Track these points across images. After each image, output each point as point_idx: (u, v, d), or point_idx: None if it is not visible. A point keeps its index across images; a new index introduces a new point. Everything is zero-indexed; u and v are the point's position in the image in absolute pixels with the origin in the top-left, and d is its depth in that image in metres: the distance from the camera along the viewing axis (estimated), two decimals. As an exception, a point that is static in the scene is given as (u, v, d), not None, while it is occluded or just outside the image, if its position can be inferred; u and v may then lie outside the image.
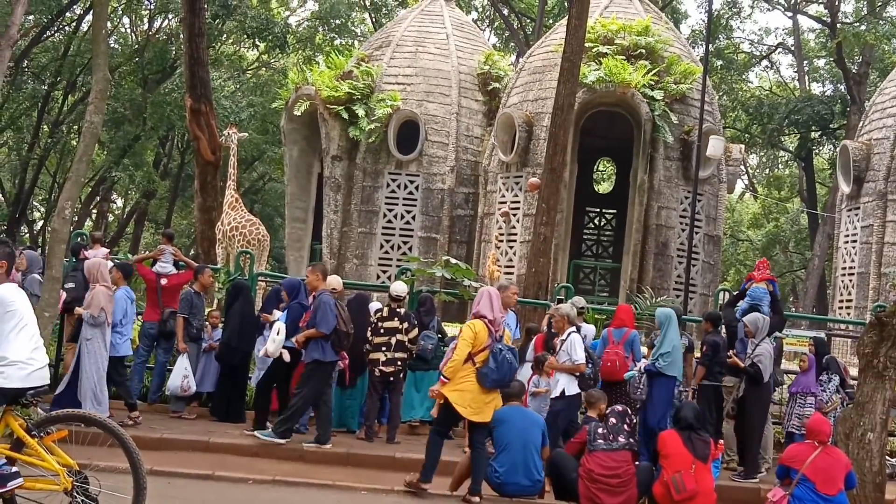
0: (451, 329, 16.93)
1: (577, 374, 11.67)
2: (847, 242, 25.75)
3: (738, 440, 13.07)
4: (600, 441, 10.02)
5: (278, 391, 12.78)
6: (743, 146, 31.41)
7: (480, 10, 49.79)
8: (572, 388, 11.53)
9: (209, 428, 12.86)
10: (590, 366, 11.75)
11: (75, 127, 39.33)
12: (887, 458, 12.65)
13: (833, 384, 13.92)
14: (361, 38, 43.20)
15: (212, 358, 14.05)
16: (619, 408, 10.48)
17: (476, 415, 10.00)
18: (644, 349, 13.29)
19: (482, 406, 9.99)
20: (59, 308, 12.96)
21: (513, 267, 23.44)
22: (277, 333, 12.23)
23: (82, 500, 6.70)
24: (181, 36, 27.96)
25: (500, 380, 10.03)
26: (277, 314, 13.08)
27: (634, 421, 11.06)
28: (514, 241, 23.66)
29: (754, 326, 12.91)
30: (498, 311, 10.23)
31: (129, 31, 44.26)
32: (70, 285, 13.52)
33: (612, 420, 10.22)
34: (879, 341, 10.64)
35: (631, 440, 10.15)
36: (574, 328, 11.91)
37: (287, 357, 12.24)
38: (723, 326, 13.77)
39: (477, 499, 9.97)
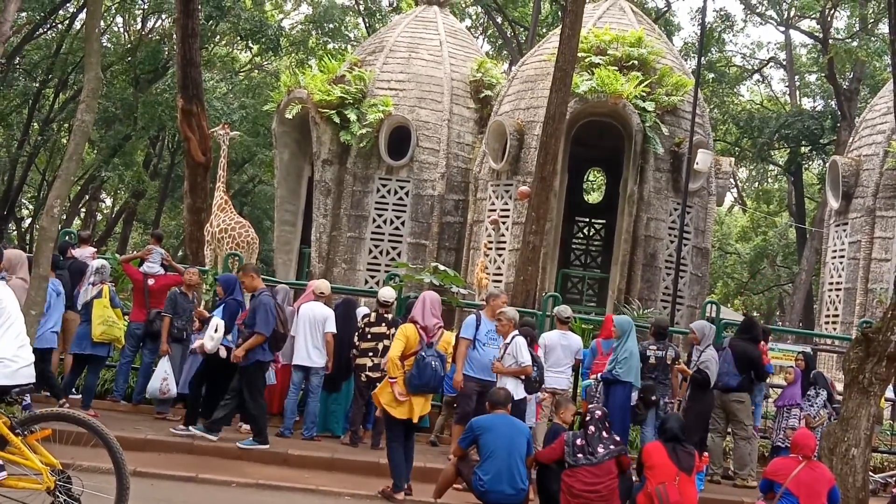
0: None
1: (524, 377, 11.58)
2: (835, 257, 25.82)
3: None
4: (580, 456, 9.90)
5: (211, 388, 12.72)
6: (733, 159, 31.50)
7: (474, 17, 49.85)
8: (519, 392, 11.45)
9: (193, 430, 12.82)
10: (535, 368, 11.68)
11: (66, 125, 39.23)
12: (871, 474, 12.69)
13: (821, 399, 13.96)
14: (355, 43, 43.22)
15: (198, 359, 14.01)
16: (598, 413, 10.42)
17: (395, 409, 10.36)
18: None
19: (407, 405, 10.35)
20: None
21: (501, 275, 23.44)
22: (215, 330, 12.24)
23: (65, 500, 6.67)
24: (174, 36, 27.92)
25: (422, 385, 10.39)
26: (219, 312, 12.94)
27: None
28: (503, 248, 23.66)
29: (700, 333, 12.97)
30: (430, 318, 10.49)
31: (121, 30, 44.23)
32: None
33: (592, 429, 10.13)
34: (865, 357, 10.68)
35: (612, 447, 10.07)
36: (517, 332, 11.88)
37: (224, 353, 12.24)
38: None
39: (401, 496, 10.06)
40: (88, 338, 13.42)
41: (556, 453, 10.11)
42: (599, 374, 12.53)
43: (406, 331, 10.51)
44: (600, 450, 9.94)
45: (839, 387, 14.44)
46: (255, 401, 11.97)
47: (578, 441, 9.99)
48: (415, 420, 10.58)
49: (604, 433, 10.15)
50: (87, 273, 13.78)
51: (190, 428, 12.10)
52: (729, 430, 13.75)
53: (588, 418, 10.24)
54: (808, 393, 14.06)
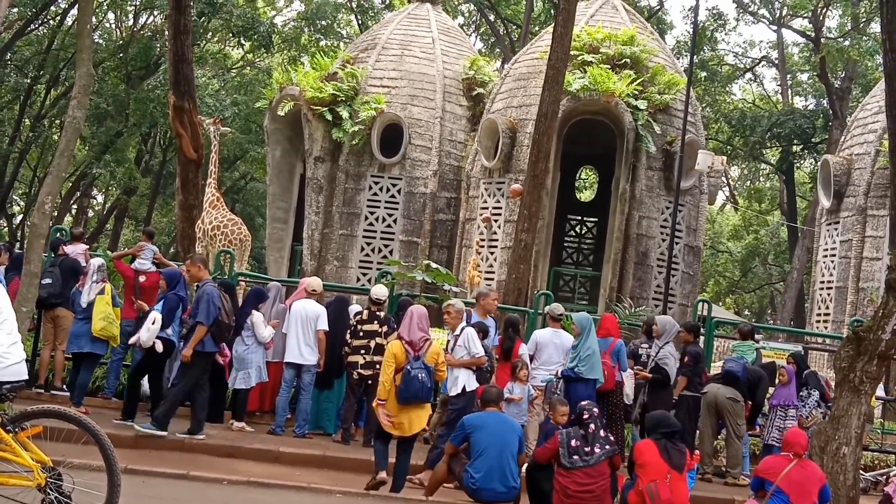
0: (432, 333, 16.90)
1: (475, 368, 11.53)
2: (826, 256, 25.87)
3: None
4: (577, 458, 9.88)
5: (150, 381, 12.70)
6: (725, 158, 31.52)
7: (467, 15, 49.82)
8: (472, 383, 11.39)
9: (185, 427, 12.80)
10: (487, 358, 11.64)
11: (57, 121, 39.13)
12: (861, 472, 12.72)
13: (813, 399, 13.99)
14: (347, 40, 43.13)
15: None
16: (595, 410, 10.42)
17: (394, 429, 10.46)
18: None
19: (402, 420, 10.43)
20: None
21: (493, 273, 23.45)
22: (153, 323, 12.24)
23: (56, 497, 6.65)
24: (166, 33, 27.86)
25: (410, 398, 10.41)
26: (158, 306, 12.86)
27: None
28: (496, 246, 23.67)
29: (662, 328, 12.98)
30: (416, 332, 10.59)
31: (113, 26, 44.07)
32: (47, 281, 13.46)
33: (592, 427, 10.12)
34: (856, 356, 10.68)
35: (607, 447, 10.08)
36: (465, 324, 11.85)
37: (160, 347, 12.23)
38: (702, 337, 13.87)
39: (382, 474, 10.42)
40: (87, 335, 13.42)
41: (550, 453, 10.11)
42: (560, 371, 12.55)
43: (392, 349, 10.60)
44: (597, 450, 9.93)
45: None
46: (181, 389, 11.94)
47: (573, 442, 9.96)
48: (410, 434, 10.55)
49: (601, 432, 10.16)
50: (88, 272, 13.75)
51: (129, 422, 12.03)
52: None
53: (586, 416, 10.22)
54: (801, 393, 14.09)
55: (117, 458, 6.78)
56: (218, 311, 11.94)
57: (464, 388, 11.32)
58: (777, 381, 14.37)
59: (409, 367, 10.39)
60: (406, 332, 10.68)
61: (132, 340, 12.90)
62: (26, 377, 6.98)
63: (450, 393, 11.50)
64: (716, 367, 15.28)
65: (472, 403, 11.28)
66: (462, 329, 11.60)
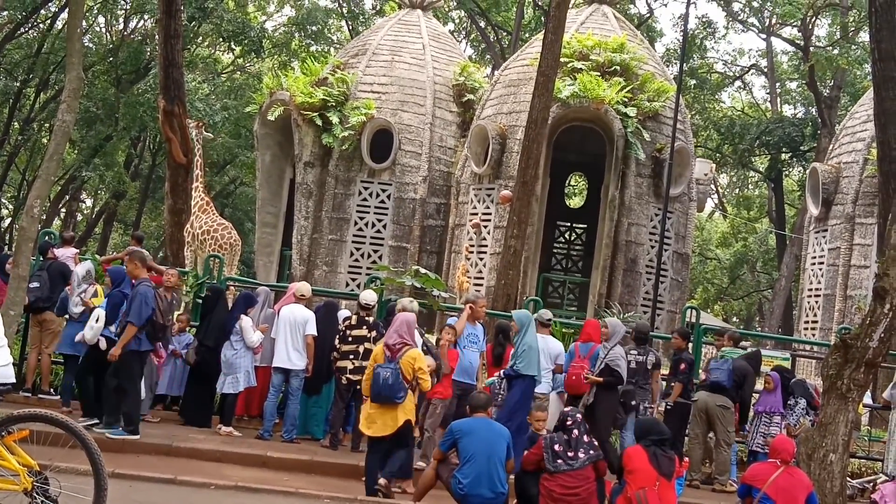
0: (418, 339, 16.89)
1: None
2: (814, 264, 25.94)
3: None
4: (560, 462, 9.91)
5: (94, 379, 12.65)
6: (714, 165, 31.62)
7: (457, 21, 49.90)
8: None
9: (173, 432, 12.78)
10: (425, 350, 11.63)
11: (46, 125, 39.09)
12: (849, 479, 12.75)
13: (800, 407, 14.01)
14: (338, 46, 43.18)
15: (179, 361, 14.00)
16: (578, 416, 10.44)
17: (367, 428, 10.76)
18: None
19: (374, 419, 10.68)
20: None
21: (482, 279, 23.46)
22: (96, 321, 12.23)
23: (42, 501, 6.63)
24: (156, 37, 27.84)
25: (375, 396, 10.66)
26: (103, 304, 12.90)
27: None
28: (485, 252, 23.69)
29: (612, 330, 12.99)
30: (394, 337, 10.88)
31: (103, 30, 44.04)
32: (35, 284, 13.42)
33: (575, 432, 10.14)
34: (843, 363, 10.73)
35: (591, 452, 10.10)
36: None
37: (104, 345, 12.21)
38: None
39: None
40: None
41: (536, 458, 10.12)
42: (502, 371, 12.61)
43: (375, 353, 11.03)
44: (581, 454, 9.95)
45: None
46: (131, 391, 11.88)
47: (557, 447, 9.98)
48: (378, 434, 10.63)
49: (584, 437, 10.17)
50: (74, 279, 13.70)
51: (106, 433, 11.92)
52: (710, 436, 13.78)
53: (570, 422, 10.23)
54: (788, 402, 14.12)
55: (104, 462, 6.77)
56: (152, 311, 11.89)
57: None
58: (763, 387, 14.40)
59: (377, 368, 10.70)
60: (387, 337, 10.98)
61: (77, 338, 12.91)
62: (13, 380, 6.97)
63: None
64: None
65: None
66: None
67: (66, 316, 13.78)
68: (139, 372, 12.15)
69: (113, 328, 12.35)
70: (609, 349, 12.80)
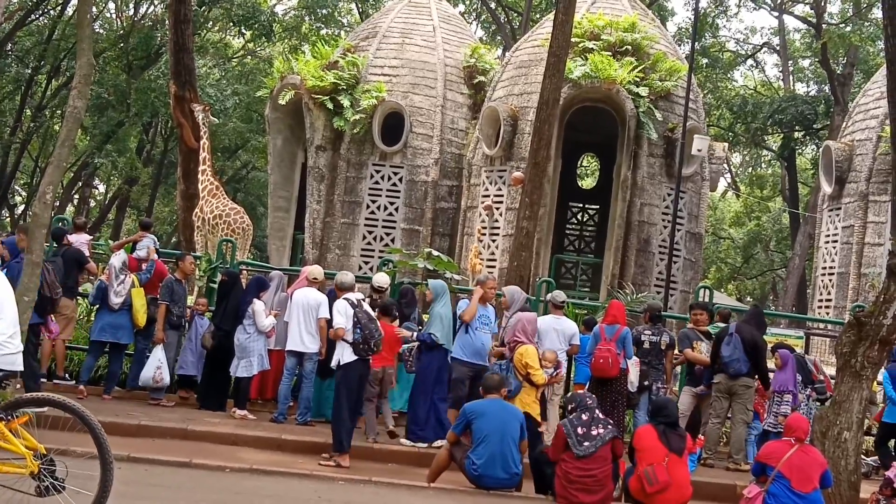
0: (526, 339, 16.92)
1: (349, 339, 11.49)
2: (828, 242, 25.86)
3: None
4: (587, 444, 9.89)
5: None
6: (726, 144, 31.47)
7: (468, 2, 49.74)
8: (347, 355, 11.48)
9: (188, 415, 12.86)
10: (358, 330, 11.62)
11: (58, 111, 39.15)
12: (863, 457, 12.74)
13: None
14: (348, 29, 43.10)
15: (197, 345, 14.08)
16: (587, 400, 10.44)
17: None
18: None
19: None
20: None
21: (495, 260, 23.45)
22: None
23: (49, 484, 6.67)
24: (167, 22, 27.86)
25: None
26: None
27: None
28: (497, 234, 23.67)
29: (511, 298, 12.95)
30: (511, 334, 11.99)
31: (114, 16, 44.08)
32: (50, 271, 13.49)
33: (584, 416, 10.13)
34: (857, 341, 10.71)
35: (609, 426, 10.13)
36: (346, 296, 11.96)
37: None
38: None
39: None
40: (126, 328, 13.82)
41: (560, 448, 10.11)
42: (416, 335, 12.70)
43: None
44: (601, 430, 9.97)
45: (827, 369, 14.50)
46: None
47: (580, 430, 9.99)
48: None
49: (599, 414, 10.20)
50: (112, 271, 13.85)
51: None
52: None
53: (590, 401, 10.24)
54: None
55: (110, 446, 6.77)
56: (41, 283, 11.94)
57: (339, 361, 11.55)
58: (773, 366, 14.37)
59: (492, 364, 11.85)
60: (507, 334, 12.06)
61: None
62: (21, 368, 7.00)
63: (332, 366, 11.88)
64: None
65: (351, 374, 11.49)
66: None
67: (89, 303, 14.08)
68: (32, 349, 12.21)
69: None
70: (509, 318, 12.74)
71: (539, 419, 11.48)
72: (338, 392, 11.49)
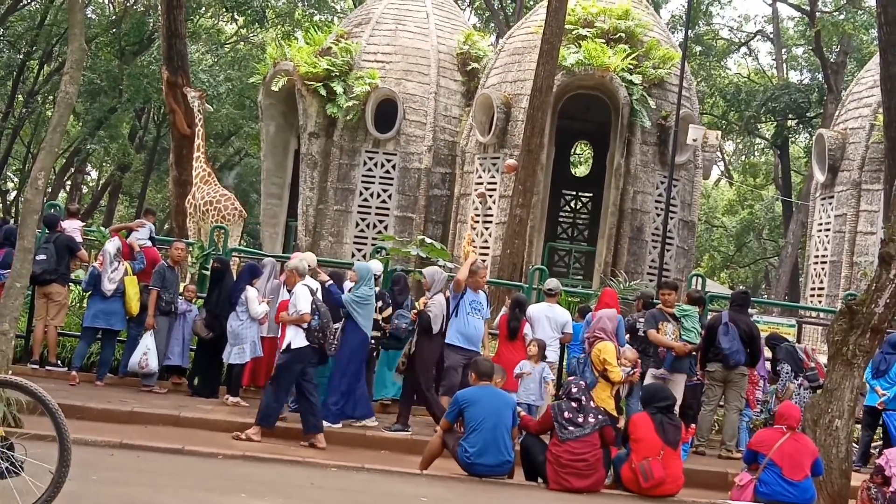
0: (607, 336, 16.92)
1: (304, 325, 11.59)
2: (820, 231, 25.89)
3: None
4: (572, 429, 9.94)
5: None
6: (719, 133, 31.53)
7: (461, -11, 49.64)
8: (299, 340, 11.56)
9: (180, 402, 12.87)
10: (316, 317, 11.67)
11: (51, 97, 39.02)
12: (854, 445, 12.78)
13: (784, 372, 14.09)
14: (341, 15, 42.95)
15: (184, 335, 14.09)
16: (582, 383, 10.47)
17: None
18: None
19: None
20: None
21: (488, 248, 23.45)
22: None
23: (7, 467, 6.63)
24: (159, 8, 27.73)
25: None
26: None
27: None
28: (490, 222, 23.67)
29: (430, 279, 12.97)
30: (590, 331, 12.48)
31: (106, 1, 43.86)
32: (41, 257, 13.48)
33: (583, 399, 10.16)
34: (849, 329, 10.73)
35: (599, 416, 10.14)
36: (304, 282, 11.99)
37: None
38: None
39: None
40: (119, 314, 13.86)
41: (544, 426, 10.17)
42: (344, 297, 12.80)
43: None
44: (590, 419, 9.99)
45: (824, 359, 14.53)
46: None
47: (566, 414, 10.03)
48: None
49: (591, 403, 10.22)
50: (106, 257, 13.85)
51: None
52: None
53: (575, 390, 10.26)
54: (777, 369, 14.20)
55: (68, 428, 6.71)
56: None
57: (289, 345, 11.58)
58: None
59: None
60: (588, 331, 12.47)
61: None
62: None
63: (280, 349, 11.88)
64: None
65: (299, 360, 11.57)
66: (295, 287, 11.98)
67: (82, 289, 14.10)
68: None
69: None
70: (431, 296, 12.76)
71: (615, 414, 11.53)
72: (279, 373, 11.62)
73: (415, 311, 13.04)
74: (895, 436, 13.25)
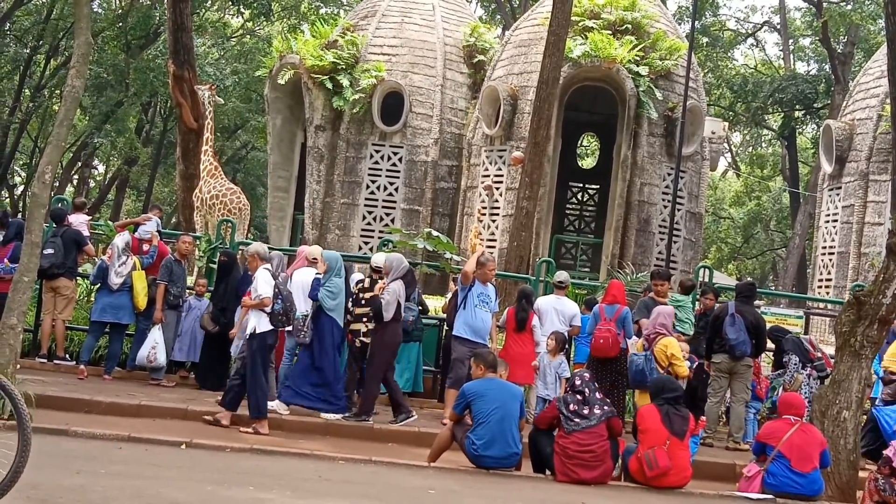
0: (431, 301, 16.97)
1: (267, 309, 11.59)
2: (828, 222, 25.86)
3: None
4: (578, 420, 9.93)
5: None
6: (727, 124, 31.45)
7: (467, -19, 49.53)
8: (263, 324, 11.58)
9: (188, 396, 12.88)
10: (279, 301, 11.65)
11: (57, 91, 39.03)
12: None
13: (792, 364, 14.03)
14: (347, 8, 42.90)
15: (196, 326, 14.09)
16: (586, 376, 10.46)
17: None
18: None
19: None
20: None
21: (495, 240, 23.45)
22: None
23: None
24: (165, 2, 27.74)
25: (630, 381, 12.58)
26: None
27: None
28: (497, 214, 23.66)
29: (389, 266, 12.90)
30: (651, 328, 12.39)
31: (112, -5, 43.87)
32: (49, 251, 13.50)
33: (587, 391, 10.14)
34: (857, 320, 10.71)
35: (605, 408, 10.13)
36: (266, 266, 12.00)
37: None
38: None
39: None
40: (127, 308, 13.81)
41: (549, 419, 10.17)
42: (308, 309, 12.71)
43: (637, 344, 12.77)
44: (596, 411, 9.98)
45: (826, 348, 14.51)
46: None
47: (572, 406, 10.01)
48: None
49: (597, 395, 10.20)
50: (115, 251, 13.87)
51: None
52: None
53: (579, 382, 10.24)
54: (784, 360, 14.15)
55: (28, 416, 6.67)
56: None
57: (254, 330, 11.60)
58: None
59: (631, 356, 12.37)
60: (646, 327, 12.44)
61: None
62: None
63: (245, 335, 11.87)
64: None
65: (267, 344, 11.69)
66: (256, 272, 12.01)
67: (90, 282, 14.12)
68: None
69: None
70: (388, 283, 12.71)
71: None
72: (253, 360, 11.61)
73: (372, 293, 12.92)
74: (887, 431, 13.07)
